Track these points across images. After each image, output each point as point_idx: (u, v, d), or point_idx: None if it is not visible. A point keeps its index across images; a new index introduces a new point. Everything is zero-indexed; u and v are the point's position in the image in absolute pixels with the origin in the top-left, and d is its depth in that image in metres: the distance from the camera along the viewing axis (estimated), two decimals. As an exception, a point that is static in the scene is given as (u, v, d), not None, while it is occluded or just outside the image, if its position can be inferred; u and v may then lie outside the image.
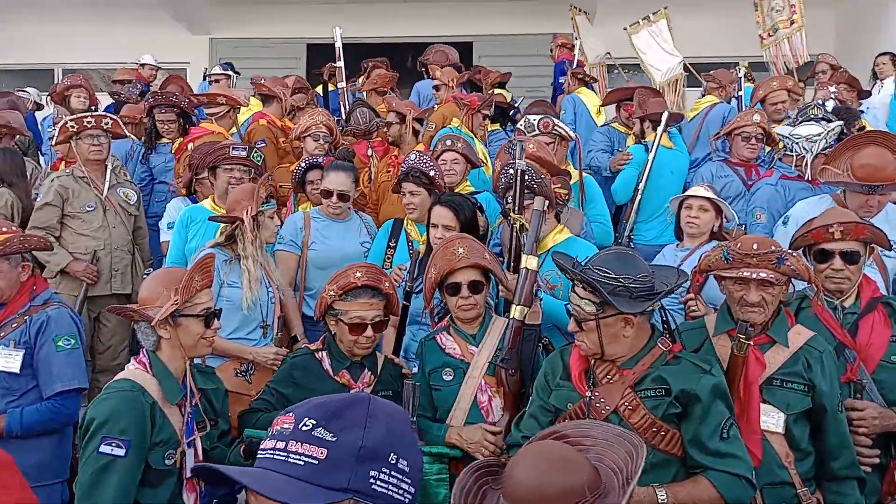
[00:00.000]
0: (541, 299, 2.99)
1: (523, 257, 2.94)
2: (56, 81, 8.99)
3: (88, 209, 4.70)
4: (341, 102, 6.64)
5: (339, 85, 6.77)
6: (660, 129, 4.98)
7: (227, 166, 4.18)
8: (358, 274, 3.01)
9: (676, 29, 7.49)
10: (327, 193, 4.12)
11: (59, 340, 3.17)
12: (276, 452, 1.20)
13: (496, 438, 2.79)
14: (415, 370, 3.16)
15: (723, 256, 2.70)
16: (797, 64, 7.32)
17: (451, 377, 2.94)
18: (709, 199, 3.90)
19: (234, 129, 5.85)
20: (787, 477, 2.61)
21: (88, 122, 4.70)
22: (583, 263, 2.45)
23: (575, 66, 7.61)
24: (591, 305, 2.37)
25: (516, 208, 3.23)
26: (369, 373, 3.03)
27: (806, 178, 4.43)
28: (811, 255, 2.99)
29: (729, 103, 6.45)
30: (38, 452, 3.14)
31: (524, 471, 1.64)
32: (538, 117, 4.63)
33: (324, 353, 3.01)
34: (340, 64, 6.71)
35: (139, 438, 2.44)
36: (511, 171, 3.28)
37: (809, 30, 10.27)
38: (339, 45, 6.69)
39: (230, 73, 7.95)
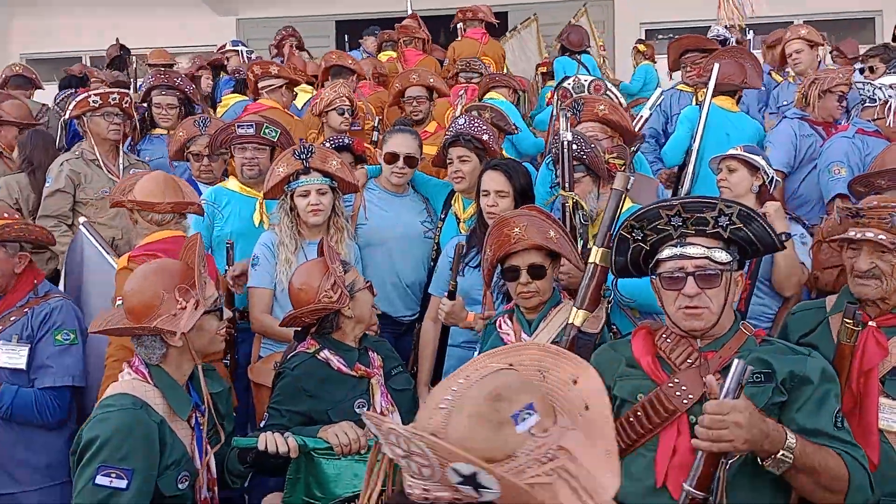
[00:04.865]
0: (609, 301, 2.44)
1: (593, 250, 2.30)
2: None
3: (103, 195, 4.38)
4: None
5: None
6: (709, 88, 4.55)
7: (238, 145, 3.80)
8: None
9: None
10: (393, 157, 3.63)
11: (58, 334, 2.92)
12: None
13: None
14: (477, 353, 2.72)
15: (836, 217, 2.25)
16: (741, 17, 6.75)
17: None
18: (732, 156, 3.40)
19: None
20: None
21: (113, 99, 4.32)
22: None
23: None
24: (725, 254, 1.96)
25: (566, 184, 2.82)
26: (375, 354, 2.66)
27: (888, 123, 3.97)
28: None
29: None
30: (47, 453, 2.95)
31: None
32: (589, 79, 4.34)
33: (326, 351, 2.56)
34: None
35: (145, 467, 2.05)
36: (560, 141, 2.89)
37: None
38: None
39: (239, 48, 7.74)
